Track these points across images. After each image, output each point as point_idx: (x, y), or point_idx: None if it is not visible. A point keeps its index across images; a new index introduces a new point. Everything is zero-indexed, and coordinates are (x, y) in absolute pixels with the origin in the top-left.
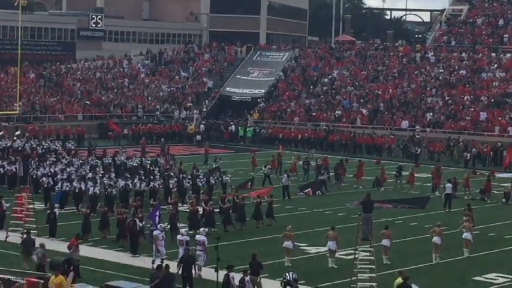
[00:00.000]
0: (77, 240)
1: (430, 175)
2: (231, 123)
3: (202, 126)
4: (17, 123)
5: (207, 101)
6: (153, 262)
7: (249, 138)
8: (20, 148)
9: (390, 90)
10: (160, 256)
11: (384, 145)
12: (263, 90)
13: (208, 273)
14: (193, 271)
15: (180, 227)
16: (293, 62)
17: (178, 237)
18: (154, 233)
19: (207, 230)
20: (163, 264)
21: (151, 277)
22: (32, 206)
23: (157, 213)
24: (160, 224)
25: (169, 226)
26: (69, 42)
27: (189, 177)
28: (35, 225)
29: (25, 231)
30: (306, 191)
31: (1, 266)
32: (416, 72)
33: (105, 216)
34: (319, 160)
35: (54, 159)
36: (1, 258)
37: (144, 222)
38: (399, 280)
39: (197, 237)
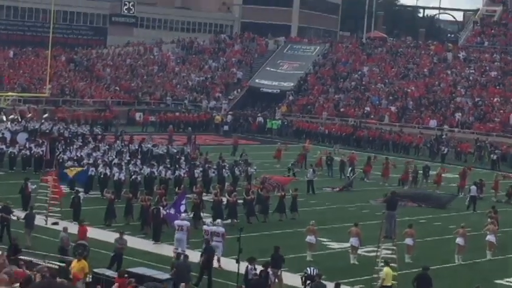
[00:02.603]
0: (82, 226)
1: (457, 175)
2: (259, 114)
3: (229, 116)
4: (45, 105)
5: (235, 91)
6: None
7: (275, 131)
8: (47, 131)
9: (420, 88)
10: (182, 246)
11: (411, 143)
12: (292, 84)
13: (229, 264)
14: (214, 262)
15: (203, 216)
16: (323, 56)
17: (204, 227)
18: (186, 223)
19: (229, 221)
20: (182, 253)
21: (172, 266)
22: (57, 190)
23: (183, 202)
24: (189, 214)
25: (192, 215)
26: (100, 28)
27: (215, 167)
28: (59, 208)
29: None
30: (336, 189)
31: (25, 248)
32: (447, 72)
33: (129, 203)
34: (346, 156)
35: (81, 144)
36: (25, 239)
37: (168, 210)
38: (388, 270)
39: (214, 228)
